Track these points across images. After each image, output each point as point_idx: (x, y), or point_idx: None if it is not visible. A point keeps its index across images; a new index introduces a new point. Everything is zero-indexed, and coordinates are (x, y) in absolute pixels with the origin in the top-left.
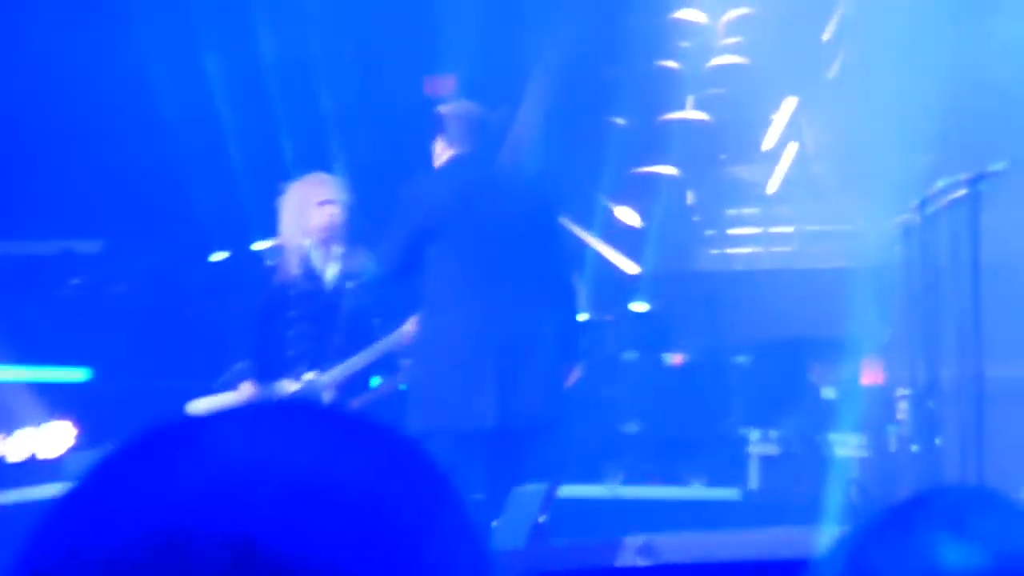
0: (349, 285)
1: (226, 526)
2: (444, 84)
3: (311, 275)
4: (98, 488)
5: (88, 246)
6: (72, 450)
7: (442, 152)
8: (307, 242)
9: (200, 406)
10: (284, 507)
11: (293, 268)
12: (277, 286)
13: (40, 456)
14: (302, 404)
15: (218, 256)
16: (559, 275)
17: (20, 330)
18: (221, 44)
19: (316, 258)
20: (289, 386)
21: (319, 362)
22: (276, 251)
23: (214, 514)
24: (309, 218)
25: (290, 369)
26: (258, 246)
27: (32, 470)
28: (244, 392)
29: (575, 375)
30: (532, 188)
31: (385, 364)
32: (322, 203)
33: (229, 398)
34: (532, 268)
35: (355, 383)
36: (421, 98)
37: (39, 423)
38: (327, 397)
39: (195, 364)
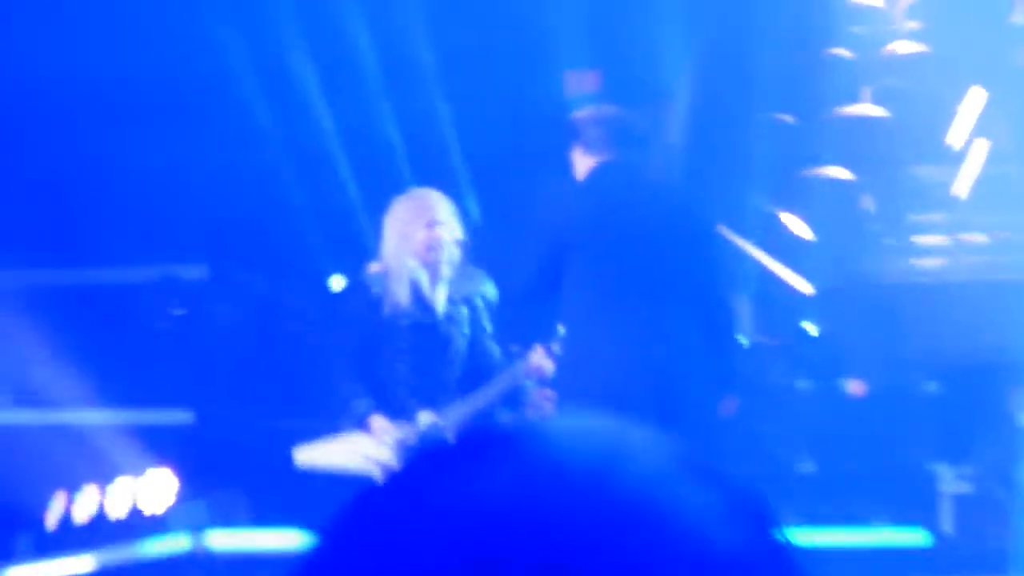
0: (464, 312)
1: (544, 555)
2: (586, 81)
3: (420, 303)
4: (385, 514)
5: (191, 271)
6: (175, 503)
7: (581, 162)
8: (414, 266)
9: (312, 454)
10: (610, 536)
11: (400, 296)
12: (384, 316)
13: (142, 509)
14: (620, 426)
15: (337, 281)
16: (715, 294)
17: (117, 367)
18: (328, 44)
19: (425, 284)
20: (403, 428)
21: (433, 400)
22: (380, 277)
23: (529, 541)
24: (415, 240)
25: (402, 409)
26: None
27: (134, 524)
28: (374, 433)
29: (731, 405)
30: (683, 198)
31: (512, 398)
32: (430, 223)
33: (347, 444)
34: (685, 288)
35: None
36: (561, 98)
37: (139, 472)
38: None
39: (307, 403)
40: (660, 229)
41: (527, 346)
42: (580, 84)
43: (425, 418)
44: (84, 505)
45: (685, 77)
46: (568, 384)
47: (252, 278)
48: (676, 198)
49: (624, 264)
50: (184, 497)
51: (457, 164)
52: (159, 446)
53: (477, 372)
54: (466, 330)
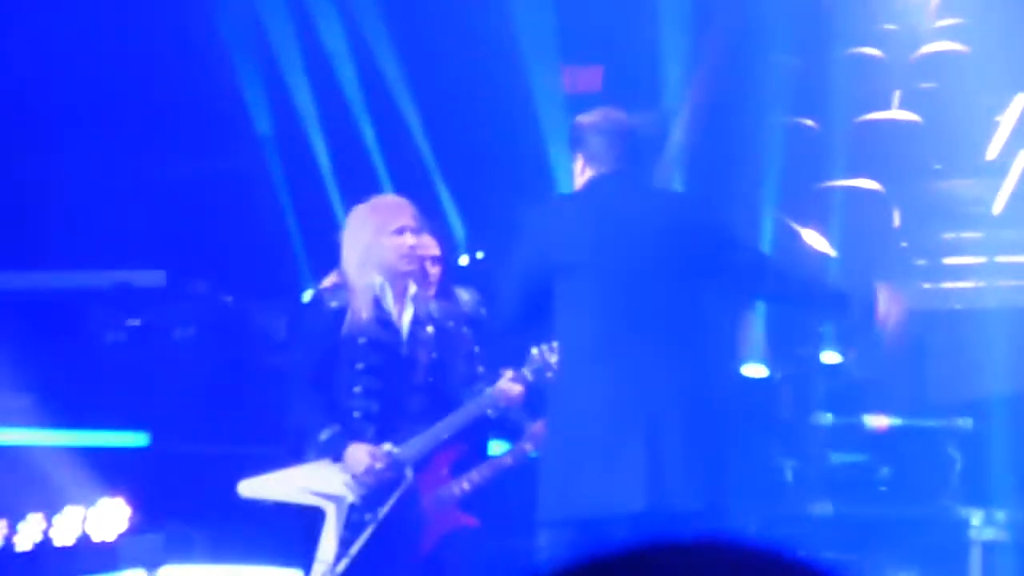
0: (429, 332)
1: None
2: (588, 77)
3: (382, 320)
4: None
5: (147, 278)
6: (128, 534)
7: (581, 172)
8: (378, 280)
9: (257, 487)
10: None
11: (360, 311)
12: (342, 334)
13: (92, 540)
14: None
15: (311, 295)
16: (723, 321)
17: (64, 382)
18: (297, 47)
19: (388, 300)
20: (361, 457)
21: (393, 428)
22: (338, 291)
23: None
24: (380, 251)
25: (358, 434)
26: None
27: (83, 557)
28: (365, 460)
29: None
30: (692, 214)
31: (507, 426)
32: (396, 232)
33: (295, 478)
34: (690, 313)
35: (474, 451)
36: (560, 96)
37: (89, 501)
38: (409, 474)
39: (272, 427)
40: (661, 250)
41: (494, 371)
42: (581, 81)
43: (383, 449)
44: (28, 535)
45: (699, 77)
46: (557, 420)
47: (213, 288)
48: (682, 215)
49: (621, 288)
50: (138, 529)
51: (438, 176)
52: (111, 472)
53: (439, 400)
54: (434, 353)
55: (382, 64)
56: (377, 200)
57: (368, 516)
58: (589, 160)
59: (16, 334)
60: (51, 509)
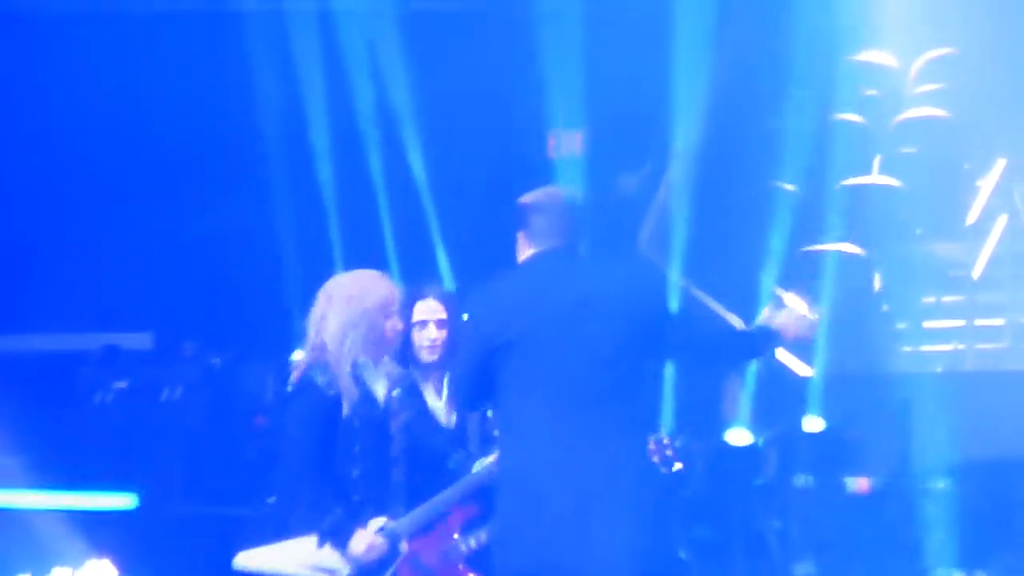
0: (395, 397)
1: None
2: (569, 142)
3: (370, 399)
4: None
5: (135, 341)
6: None
7: (523, 250)
8: (363, 359)
9: (255, 559)
10: None
11: (351, 389)
12: (335, 413)
13: None
14: None
15: (299, 355)
16: (656, 391)
17: (52, 444)
18: (283, 113)
19: (371, 378)
20: (364, 539)
21: (388, 505)
22: (324, 370)
23: None
24: (372, 332)
25: (358, 517)
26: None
27: None
28: (376, 545)
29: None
30: (625, 287)
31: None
32: (388, 313)
33: (291, 550)
34: (623, 389)
35: (483, 509)
36: (543, 161)
37: (76, 562)
38: (404, 547)
39: (259, 490)
40: (597, 326)
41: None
42: (563, 146)
43: (377, 524)
44: None
45: (682, 141)
46: (502, 492)
47: (200, 349)
48: (623, 291)
49: (556, 364)
50: None
51: (439, 238)
52: (98, 534)
53: (423, 472)
54: (402, 416)
55: (375, 126)
56: (363, 277)
57: None
58: (529, 238)
59: (4, 396)
60: (39, 570)
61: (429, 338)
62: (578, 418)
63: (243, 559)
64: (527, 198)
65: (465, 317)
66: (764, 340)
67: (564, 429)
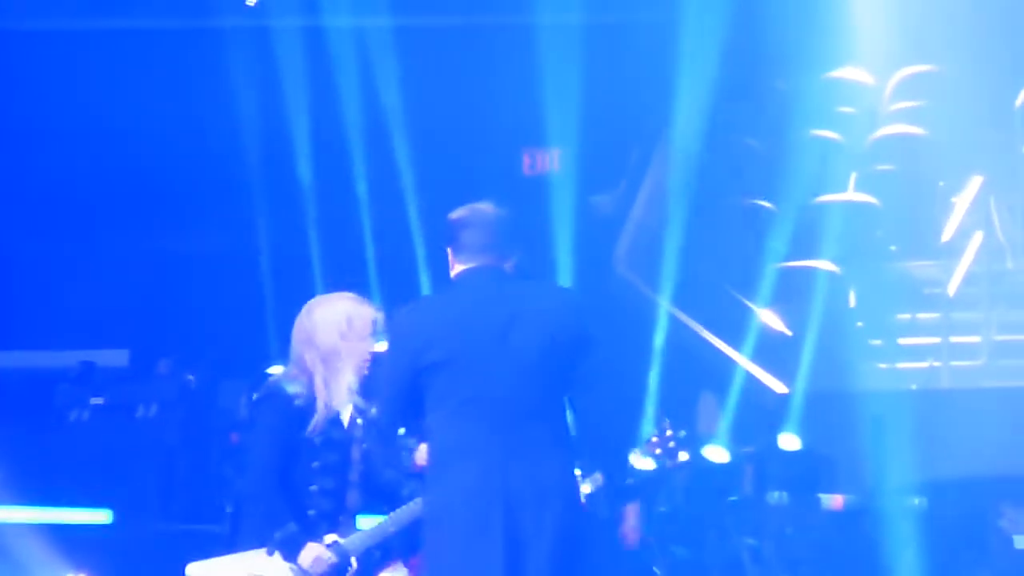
0: (359, 425)
1: None
2: (545, 160)
3: (333, 420)
4: None
5: (112, 357)
6: None
7: (452, 266)
8: (339, 380)
9: (205, 571)
10: None
11: (321, 410)
12: (299, 426)
13: None
14: None
15: (275, 370)
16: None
17: (29, 460)
18: (260, 130)
19: (338, 399)
20: (314, 552)
21: (341, 523)
22: (297, 384)
23: None
24: (345, 353)
25: (312, 531)
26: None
27: None
28: (324, 559)
29: (631, 519)
30: (552, 305)
31: None
32: (363, 337)
33: (241, 562)
34: (550, 405)
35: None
36: (519, 178)
37: None
38: (354, 563)
39: (234, 507)
40: (520, 344)
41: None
42: (539, 163)
43: (329, 540)
44: None
45: (657, 159)
46: (428, 514)
47: (176, 366)
48: (546, 309)
49: (480, 383)
50: None
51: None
52: (75, 549)
53: (375, 493)
54: (364, 445)
55: (354, 144)
56: (340, 300)
57: None
58: (457, 253)
59: None
60: None
61: None
62: (507, 435)
63: (194, 570)
64: (455, 214)
65: (386, 338)
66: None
67: (493, 446)
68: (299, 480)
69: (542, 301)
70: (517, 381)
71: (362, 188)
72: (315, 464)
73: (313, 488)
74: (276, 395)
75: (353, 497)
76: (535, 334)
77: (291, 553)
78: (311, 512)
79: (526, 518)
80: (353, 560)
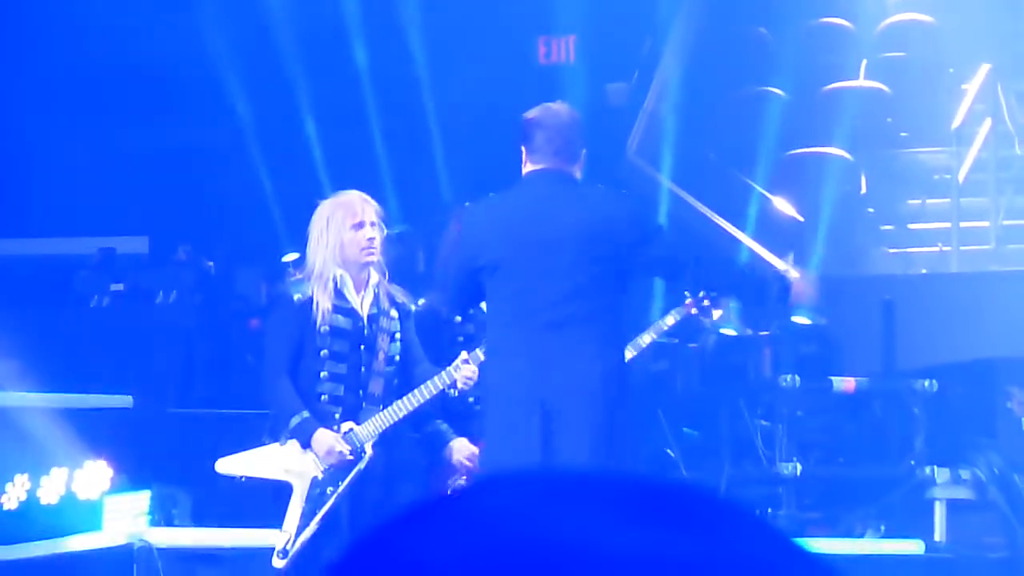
0: (394, 317)
1: None
2: (562, 48)
3: (343, 309)
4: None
5: (132, 244)
6: (111, 495)
7: (524, 164)
8: (338, 272)
9: (233, 464)
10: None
11: (323, 302)
12: (309, 323)
13: (77, 501)
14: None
15: (291, 257)
16: (619, 314)
17: (49, 346)
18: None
19: (349, 289)
20: (326, 442)
21: (356, 408)
22: (302, 283)
23: None
24: (341, 244)
25: (324, 417)
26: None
27: (68, 517)
28: (338, 447)
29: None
30: (618, 209)
31: (433, 438)
32: (356, 226)
33: (267, 454)
34: (595, 311)
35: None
36: (535, 69)
37: (74, 462)
38: (369, 450)
39: (252, 392)
40: (568, 245)
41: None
42: (555, 52)
43: (347, 428)
44: (14, 495)
45: (671, 47)
46: (484, 399)
47: (195, 253)
48: (611, 208)
49: (532, 281)
50: (121, 489)
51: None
52: (94, 435)
53: (399, 382)
54: (399, 336)
55: (368, 39)
56: (340, 196)
57: (329, 490)
58: (530, 154)
59: (2, 299)
60: (37, 470)
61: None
62: (551, 337)
63: (222, 465)
64: (530, 113)
65: (456, 229)
66: (775, 295)
67: (536, 346)
68: (309, 368)
69: (600, 207)
70: (566, 285)
71: (374, 77)
72: (323, 352)
73: (323, 374)
74: (281, 296)
75: (377, 385)
76: (588, 240)
77: (304, 440)
78: (324, 398)
79: (562, 416)
80: (368, 446)
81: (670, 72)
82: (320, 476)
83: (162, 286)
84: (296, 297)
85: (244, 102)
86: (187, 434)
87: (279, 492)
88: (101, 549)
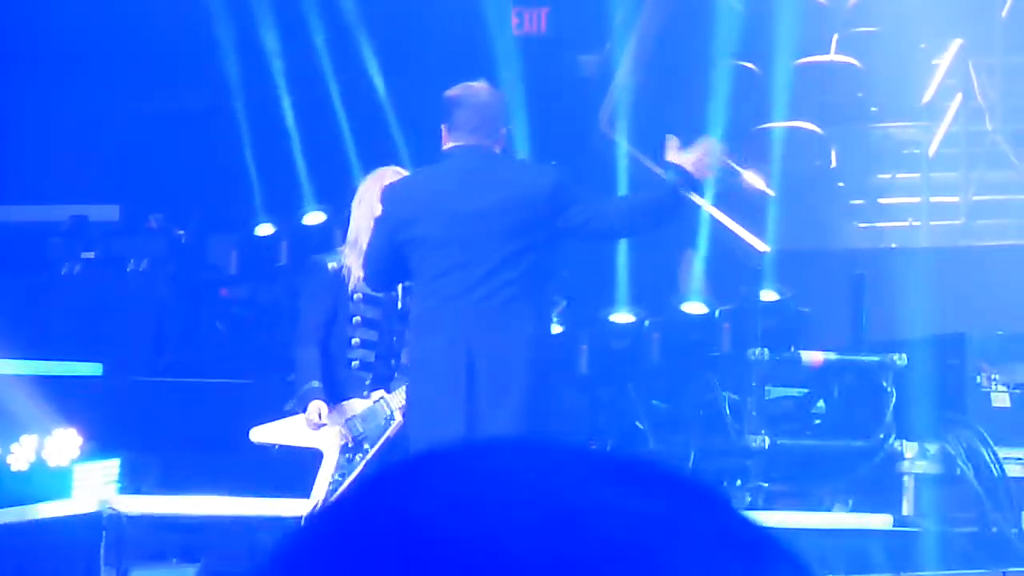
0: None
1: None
2: (535, 19)
3: None
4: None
5: (103, 212)
6: (81, 463)
7: (444, 142)
8: None
9: (268, 433)
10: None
11: (357, 268)
12: (343, 291)
13: (46, 468)
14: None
15: (263, 230)
16: (544, 286)
17: (20, 314)
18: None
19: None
20: (357, 405)
21: (387, 375)
22: (336, 253)
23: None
24: (365, 221)
25: (355, 383)
26: (310, 219)
27: (37, 484)
28: (313, 415)
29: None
30: (531, 184)
31: None
32: (376, 204)
33: (298, 423)
34: (519, 282)
35: None
36: (512, 42)
37: (44, 429)
38: (399, 416)
39: (227, 360)
40: (489, 218)
41: None
42: (528, 24)
43: (377, 396)
44: None
45: (643, 20)
46: (411, 372)
47: (166, 221)
48: (518, 185)
49: (454, 254)
50: (90, 457)
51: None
52: (65, 402)
53: None
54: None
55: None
56: (381, 171)
57: (359, 457)
58: (450, 131)
59: None
60: (7, 437)
61: None
62: (473, 309)
63: (256, 434)
64: (450, 92)
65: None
66: (676, 184)
67: (459, 320)
68: (341, 335)
69: (521, 179)
70: (490, 258)
71: (345, 46)
72: (356, 319)
73: (355, 341)
74: (315, 263)
75: (397, 348)
76: (510, 211)
77: (303, 406)
78: (355, 364)
79: (487, 386)
80: (398, 413)
81: (642, 45)
82: (350, 443)
83: (133, 254)
84: (331, 265)
85: (218, 69)
86: (157, 402)
87: (252, 458)
88: (70, 516)
